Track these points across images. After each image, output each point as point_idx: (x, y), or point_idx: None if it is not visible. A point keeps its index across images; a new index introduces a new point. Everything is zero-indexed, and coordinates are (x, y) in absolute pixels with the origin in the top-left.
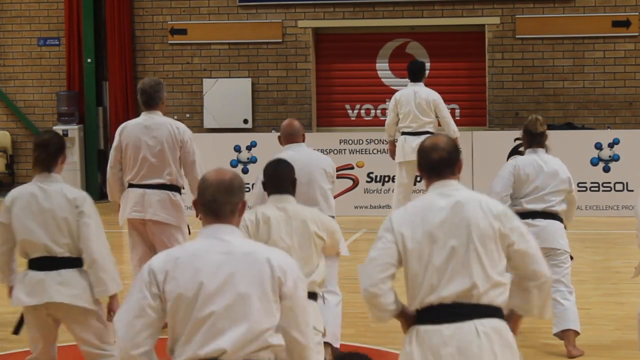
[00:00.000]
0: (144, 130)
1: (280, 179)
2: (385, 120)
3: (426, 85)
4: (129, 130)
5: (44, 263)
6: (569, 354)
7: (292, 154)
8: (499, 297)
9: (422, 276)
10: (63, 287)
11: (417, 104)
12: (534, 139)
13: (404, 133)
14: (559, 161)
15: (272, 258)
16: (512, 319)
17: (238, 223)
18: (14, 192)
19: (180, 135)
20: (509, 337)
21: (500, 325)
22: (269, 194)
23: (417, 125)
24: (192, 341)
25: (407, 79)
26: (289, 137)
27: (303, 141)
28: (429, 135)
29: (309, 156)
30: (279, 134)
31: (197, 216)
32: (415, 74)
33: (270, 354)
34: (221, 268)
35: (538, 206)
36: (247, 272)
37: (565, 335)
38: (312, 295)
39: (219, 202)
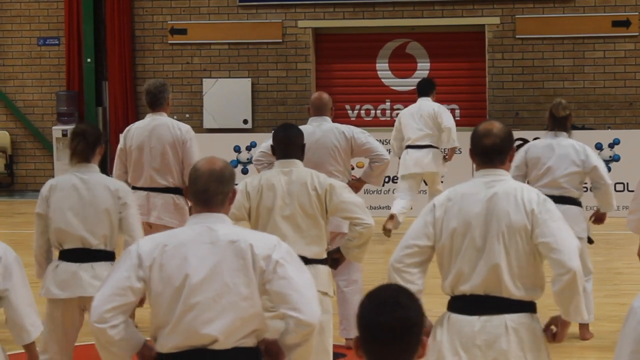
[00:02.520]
0: (148, 133)
1: (288, 143)
2: (384, 120)
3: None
4: (133, 133)
5: (78, 255)
6: (582, 336)
7: (309, 128)
8: (529, 292)
9: (452, 263)
10: (97, 281)
11: (419, 117)
12: (555, 122)
13: (407, 147)
14: (579, 145)
15: (255, 245)
16: (557, 321)
17: (228, 211)
18: (53, 182)
19: (182, 136)
20: (538, 334)
21: (531, 321)
22: (277, 158)
23: (416, 138)
24: (178, 330)
25: (407, 79)
26: (316, 110)
27: (331, 115)
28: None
29: (324, 134)
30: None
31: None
32: (422, 89)
33: (254, 339)
34: (207, 258)
35: (555, 192)
36: (233, 260)
37: None
38: (322, 261)
39: (210, 192)
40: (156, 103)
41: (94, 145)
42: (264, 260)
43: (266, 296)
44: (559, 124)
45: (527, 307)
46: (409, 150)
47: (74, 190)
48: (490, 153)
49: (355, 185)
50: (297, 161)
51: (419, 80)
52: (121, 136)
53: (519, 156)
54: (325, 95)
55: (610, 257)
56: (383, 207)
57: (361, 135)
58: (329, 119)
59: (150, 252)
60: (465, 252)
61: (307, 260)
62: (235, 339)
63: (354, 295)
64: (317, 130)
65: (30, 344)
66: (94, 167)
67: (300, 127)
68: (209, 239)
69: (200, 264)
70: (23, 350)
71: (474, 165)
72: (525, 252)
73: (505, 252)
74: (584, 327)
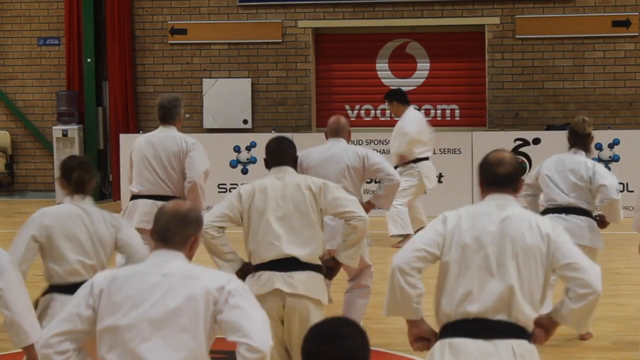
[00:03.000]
0: (152, 144)
1: (281, 154)
2: (384, 120)
3: (426, 85)
4: (138, 143)
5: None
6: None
7: (324, 145)
8: (532, 318)
9: (459, 281)
10: None
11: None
12: (576, 140)
13: (426, 157)
14: (591, 162)
15: (207, 278)
16: (544, 324)
17: (189, 255)
18: (54, 213)
19: (187, 148)
20: None
21: (533, 348)
22: (270, 168)
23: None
24: (119, 355)
25: (407, 80)
26: (332, 132)
27: (348, 139)
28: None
29: (338, 151)
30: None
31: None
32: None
33: None
34: (155, 288)
35: (566, 201)
36: (181, 292)
37: None
38: (316, 268)
39: (170, 231)
40: (168, 117)
41: (92, 178)
42: (218, 291)
43: None
44: (580, 141)
45: (527, 334)
46: (430, 161)
47: (77, 221)
48: (504, 182)
49: (364, 207)
50: (290, 168)
51: (419, 80)
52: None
53: (531, 176)
54: (343, 119)
55: (610, 257)
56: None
57: (374, 155)
58: (344, 141)
59: (101, 282)
60: (476, 270)
61: (300, 264)
62: None
63: (361, 299)
64: (332, 147)
65: (29, 346)
66: (90, 199)
67: (316, 147)
68: (162, 272)
69: (147, 293)
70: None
71: (473, 167)
72: (537, 277)
73: (519, 275)
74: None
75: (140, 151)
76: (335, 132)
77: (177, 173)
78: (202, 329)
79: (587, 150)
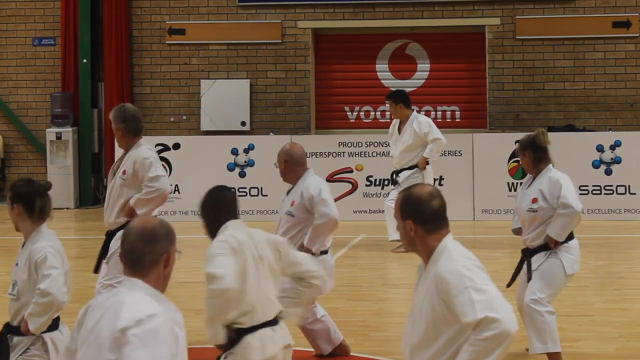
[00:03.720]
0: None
1: (235, 204)
2: (384, 122)
3: (426, 87)
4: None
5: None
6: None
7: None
8: None
9: None
10: None
11: None
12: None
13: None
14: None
15: (122, 316)
16: None
17: (162, 275)
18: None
19: None
20: None
21: None
22: (224, 221)
23: None
24: None
25: (407, 80)
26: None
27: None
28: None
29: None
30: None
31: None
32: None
33: None
34: (91, 324)
35: None
36: (103, 329)
37: None
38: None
39: (138, 252)
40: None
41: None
42: (120, 332)
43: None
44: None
45: None
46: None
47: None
48: (444, 214)
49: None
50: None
51: (419, 81)
52: (159, 161)
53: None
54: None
55: (612, 261)
56: (383, 211)
57: (314, 192)
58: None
59: (80, 313)
60: None
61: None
62: None
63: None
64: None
65: None
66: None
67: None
68: (105, 305)
69: (84, 329)
70: None
71: (474, 169)
72: None
73: None
74: (555, 356)
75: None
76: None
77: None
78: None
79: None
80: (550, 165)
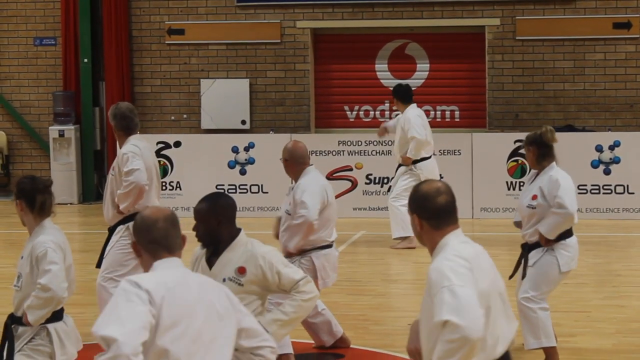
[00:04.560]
0: (152, 154)
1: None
2: (383, 121)
3: (426, 87)
4: (145, 152)
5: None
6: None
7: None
8: None
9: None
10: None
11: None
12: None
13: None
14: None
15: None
16: None
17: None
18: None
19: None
20: None
21: None
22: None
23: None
24: None
25: (406, 81)
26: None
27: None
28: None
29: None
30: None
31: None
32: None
33: None
34: (202, 296)
35: None
36: (220, 302)
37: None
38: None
39: (171, 236)
40: (137, 126)
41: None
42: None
43: None
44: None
45: None
46: (432, 159)
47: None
48: (452, 210)
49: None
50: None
51: (418, 81)
52: (137, 156)
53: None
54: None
55: (610, 259)
56: (382, 209)
57: (299, 194)
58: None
59: (157, 290)
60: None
61: None
62: None
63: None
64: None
65: None
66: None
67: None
68: (198, 279)
69: (193, 309)
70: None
71: (473, 168)
72: None
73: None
74: (550, 351)
75: (149, 163)
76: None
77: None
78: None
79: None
80: (554, 163)
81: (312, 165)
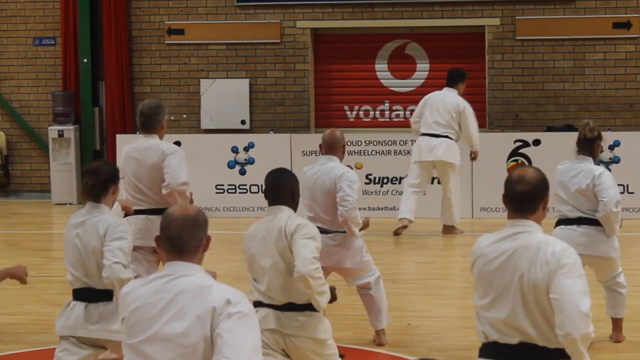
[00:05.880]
0: (134, 158)
1: (276, 189)
2: (383, 121)
3: (426, 87)
4: (125, 156)
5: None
6: (616, 338)
7: (315, 167)
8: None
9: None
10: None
11: (443, 109)
12: (580, 145)
13: (423, 134)
14: (597, 171)
15: (216, 301)
16: None
17: (201, 259)
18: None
19: (164, 153)
20: None
21: None
22: (268, 204)
23: (436, 129)
24: None
25: (406, 80)
26: (327, 148)
27: (341, 155)
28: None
29: (322, 174)
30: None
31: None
32: (450, 79)
33: None
34: (168, 307)
35: (573, 213)
36: (190, 314)
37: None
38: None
39: (185, 238)
40: (149, 125)
41: (106, 185)
42: (223, 306)
43: None
44: (583, 146)
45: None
46: (424, 137)
47: (75, 235)
48: (521, 200)
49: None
50: (283, 207)
51: (418, 81)
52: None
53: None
54: (338, 133)
55: None
56: (382, 209)
57: (343, 181)
58: (336, 159)
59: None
60: (484, 303)
61: (300, 307)
62: None
63: (377, 292)
64: (321, 169)
65: None
66: (102, 207)
67: (310, 167)
68: (175, 288)
69: (160, 313)
70: (18, 351)
71: (473, 168)
72: (547, 310)
73: (527, 309)
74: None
75: (122, 167)
76: (330, 148)
77: (160, 184)
78: (202, 347)
79: (591, 155)
80: (584, 157)
81: (321, 156)
